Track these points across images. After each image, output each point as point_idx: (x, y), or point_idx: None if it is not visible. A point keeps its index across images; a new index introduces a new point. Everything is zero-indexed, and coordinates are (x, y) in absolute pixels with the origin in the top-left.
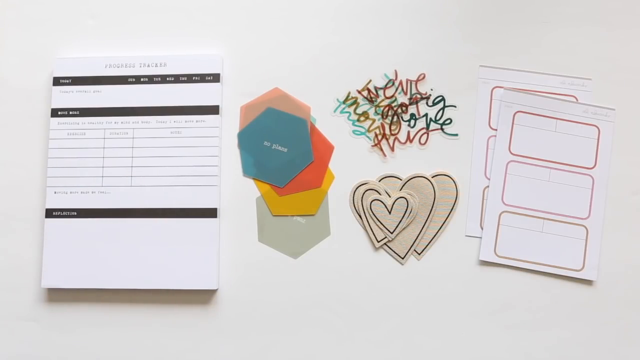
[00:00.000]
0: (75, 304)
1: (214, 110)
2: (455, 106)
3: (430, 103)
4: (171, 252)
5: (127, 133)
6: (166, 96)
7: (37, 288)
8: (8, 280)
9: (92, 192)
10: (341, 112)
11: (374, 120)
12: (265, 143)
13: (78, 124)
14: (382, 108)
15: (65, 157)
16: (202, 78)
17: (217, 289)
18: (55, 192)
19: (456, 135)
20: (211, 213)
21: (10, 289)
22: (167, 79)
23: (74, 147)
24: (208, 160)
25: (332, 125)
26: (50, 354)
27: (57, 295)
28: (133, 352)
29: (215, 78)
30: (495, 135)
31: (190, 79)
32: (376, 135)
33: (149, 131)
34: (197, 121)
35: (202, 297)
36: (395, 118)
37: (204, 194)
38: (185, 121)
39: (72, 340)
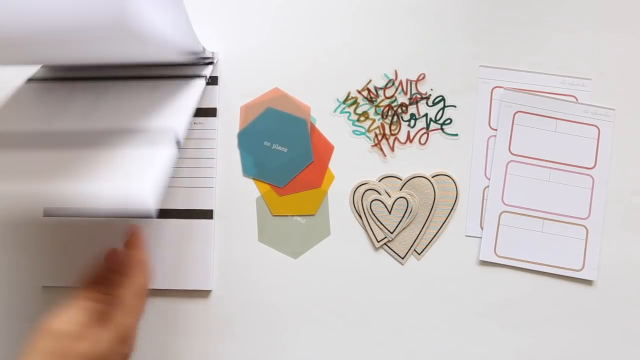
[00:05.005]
0: None
1: (211, 112)
2: (455, 106)
3: (430, 103)
4: (168, 252)
5: None
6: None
7: (36, 287)
8: (6, 279)
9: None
10: (341, 112)
11: (374, 120)
12: (265, 143)
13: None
14: (382, 108)
15: None
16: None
17: (212, 290)
18: None
19: (456, 135)
20: (206, 214)
21: (9, 288)
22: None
23: None
24: (205, 162)
25: (332, 125)
26: None
27: (55, 295)
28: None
29: (214, 81)
30: (495, 135)
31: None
32: (376, 135)
33: None
34: (194, 123)
35: (201, 297)
36: (395, 118)
37: (200, 196)
38: None
39: None
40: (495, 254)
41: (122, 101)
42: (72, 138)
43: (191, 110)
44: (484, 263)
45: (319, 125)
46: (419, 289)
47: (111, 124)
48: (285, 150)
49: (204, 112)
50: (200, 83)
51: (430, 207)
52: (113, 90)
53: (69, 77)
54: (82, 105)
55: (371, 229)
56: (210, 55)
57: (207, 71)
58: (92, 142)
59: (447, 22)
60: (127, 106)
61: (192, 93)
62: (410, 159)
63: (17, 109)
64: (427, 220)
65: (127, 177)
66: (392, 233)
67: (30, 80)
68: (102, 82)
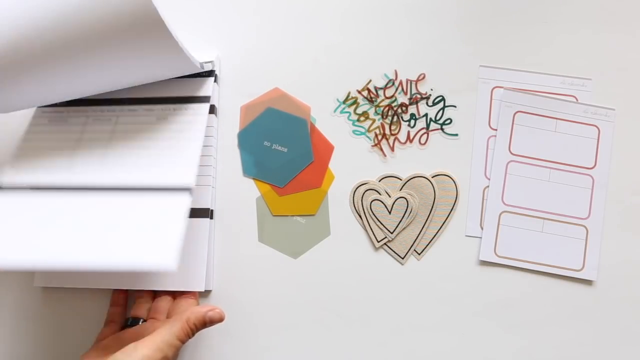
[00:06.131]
0: (72, 303)
1: (205, 100)
2: (455, 106)
3: (430, 103)
4: None
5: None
6: (159, 89)
7: (32, 288)
8: (1, 280)
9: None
10: (341, 112)
11: (374, 120)
12: (265, 143)
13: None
14: (382, 108)
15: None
16: (198, 73)
17: (212, 290)
18: None
19: (456, 135)
20: (206, 214)
21: (5, 288)
22: None
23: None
24: (203, 160)
25: (332, 125)
26: (45, 354)
27: (53, 294)
28: None
29: (210, 73)
30: (495, 135)
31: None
32: (376, 135)
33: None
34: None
35: (201, 297)
36: (395, 118)
37: (199, 195)
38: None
39: (68, 341)
40: (495, 254)
41: (135, 140)
42: (91, 182)
43: (200, 148)
44: (484, 263)
45: (319, 125)
46: (419, 289)
47: (126, 169)
48: (285, 150)
49: (198, 99)
50: (204, 109)
51: (430, 207)
52: (123, 121)
53: (78, 101)
54: (97, 145)
55: (371, 229)
56: (210, 67)
57: (209, 88)
58: (111, 188)
59: (447, 22)
60: (140, 146)
61: (199, 127)
62: (410, 159)
63: (37, 143)
64: (427, 220)
65: (147, 240)
66: (392, 233)
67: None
68: (111, 108)
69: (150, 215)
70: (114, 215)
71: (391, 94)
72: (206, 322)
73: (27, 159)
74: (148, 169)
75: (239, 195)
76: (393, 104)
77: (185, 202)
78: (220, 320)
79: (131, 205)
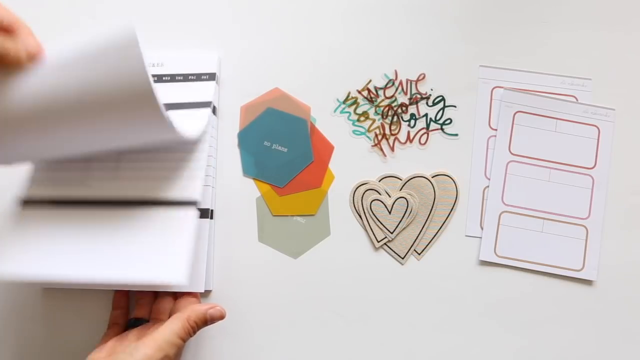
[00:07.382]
0: (72, 303)
1: (208, 106)
2: (455, 106)
3: (430, 103)
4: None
5: None
6: (162, 95)
7: (36, 289)
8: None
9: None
10: (341, 112)
11: (374, 120)
12: (265, 143)
13: None
14: (382, 108)
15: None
16: (198, 77)
17: (212, 290)
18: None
19: (456, 135)
20: (206, 214)
21: (9, 289)
22: (164, 78)
23: None
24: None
25: (332, 125)
26: (46, 354)
27: (54, 294)
28: None
29: (211, 77)
30: (495, 135)
31: (186, 78)
32: (376, 135)
33: None
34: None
35: (201, 297)
36: (395, 118)
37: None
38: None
39: (69, 341)
40: (495, 254)
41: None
42: (105, 196)
43: (204, 161)
44: (484, 263)
45: (319, 125)
46: (419, 289)
47: (137, 184)
48: (285, 150)
49: (201, 105)
50: (205, 113)
51: (430, 207)
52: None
53: None
54: (105, 165)
55: (371, 229)
56: (210, 98)
57: (210, 93)
58: (123, 201)
59: (447, 22)
60: (146, 157)
61: (204, 137)
62: (410, 159)
63: (48, 170)
64: (427, 220)
65: (157, 257)
66: (392, 233)
67: None
68: None
69: (160, 230)
70: (126, 230)
71: (391, 94)
72: (207, 320)
73: (44, 171)
74: (157, 183)
75: (239, 195)
76: (393, 104)
77: (192, 216)
78: (221, 317)
79: (142, 220)
